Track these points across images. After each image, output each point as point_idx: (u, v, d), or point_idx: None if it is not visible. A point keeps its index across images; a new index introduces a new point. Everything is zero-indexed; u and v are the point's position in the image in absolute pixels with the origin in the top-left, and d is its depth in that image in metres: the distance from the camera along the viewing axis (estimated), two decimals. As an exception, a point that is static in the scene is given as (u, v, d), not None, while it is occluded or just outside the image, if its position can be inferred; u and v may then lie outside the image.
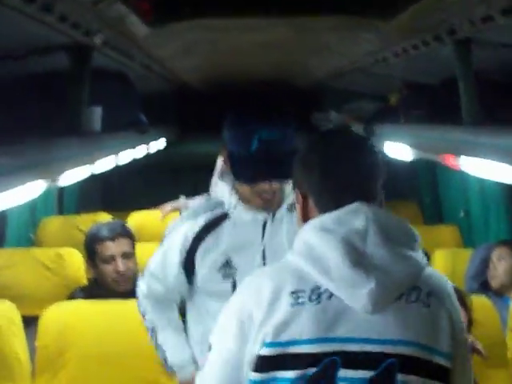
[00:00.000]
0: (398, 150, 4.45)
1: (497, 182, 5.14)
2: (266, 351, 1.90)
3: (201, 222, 2.73)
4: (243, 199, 2.71)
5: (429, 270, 2.02)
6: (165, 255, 2.80)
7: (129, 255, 3.98)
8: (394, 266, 1.92)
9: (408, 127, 4.25)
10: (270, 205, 2.69)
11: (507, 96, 3.44)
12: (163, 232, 5.54)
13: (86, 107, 3.33)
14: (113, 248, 3.94)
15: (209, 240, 2.71)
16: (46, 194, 5.98)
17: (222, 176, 2.82)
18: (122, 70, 4.21)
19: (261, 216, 2.72)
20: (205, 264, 2.70)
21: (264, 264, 2.72)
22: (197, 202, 5.89)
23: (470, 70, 3.24)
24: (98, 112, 3.79)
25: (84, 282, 4.55)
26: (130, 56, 3.80)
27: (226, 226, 2.72)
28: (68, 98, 3.24)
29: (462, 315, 2.06)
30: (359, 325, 1.90)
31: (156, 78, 5.33)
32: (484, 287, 4.63)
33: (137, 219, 5.82)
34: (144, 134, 4.75)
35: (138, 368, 3.40)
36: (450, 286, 2.04)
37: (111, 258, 3.92)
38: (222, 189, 2.84)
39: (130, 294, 3.89)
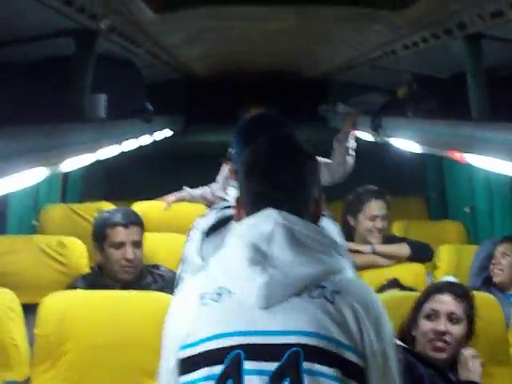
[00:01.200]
0: (404, 144, 4.41)
1: (502, 179, 5.12)
2: (181, 354, 1.98)
3: (211, 219, 2.70)
4: None
5: (348, 276, 2.12)
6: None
7: (138, 244, 3.97)
8: (294, 266, 1.99)
9: (416, 121, 4.22)
10: None
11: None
12: (166, 222, 5.55)
13: (90, 94, 3.30)
14: (124, 234, 3.93)
15: (213, 239, 2.64)
16: (50, 182, 5.96)
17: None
18: (128, 56, 4.18)
19: None
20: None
21: None
22: (199, 191, 5.88)
23: (480, 65, 3.21)
24: (102, 99, 3.76)
25: (86, 270, 4.53)
26: (137, 43, 3.76)
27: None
28: (72, 83, 3.21)
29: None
30: (259, 318, 1.95)
31: (162, 66, 5.29)
32: (487, 283, 4.61)
33: (140, 209, 5.77)
34: (149, 122, 4.72)
35: (138, 358, 3.38)
36: (370, 295, 2.08)
37: (121, 245, 3.92)
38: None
39: (132, 284, 3.88)
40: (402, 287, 3.97)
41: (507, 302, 4.00)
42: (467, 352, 3.21)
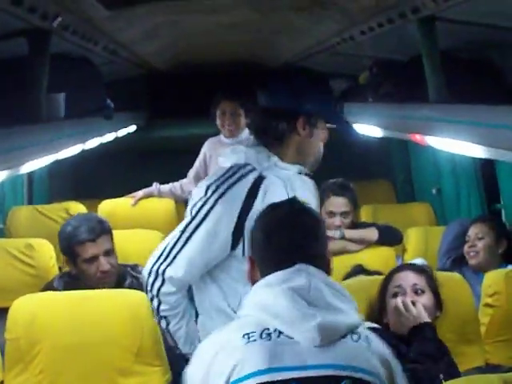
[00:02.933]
0: (367, 129, 4.43)
1: (467, 160, 5.16)
2: None
3: (245, 187, 2.80)
4: (302, 160, 2.95)
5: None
6: (211, 230, 2.81)
7: (110, 252, 3.91)
8: (337, 313, 2.20)
9: (376, 106, 4.23)
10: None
11: (472, 73, 3.42)
12: (135, 219, 5.54)
13: (46, 94, 3.27)
14: (94, 249, 3.84)
15: (257, 202, 2.77)
16: (15, 183, 5.92)
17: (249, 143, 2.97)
18: (85, 54, 4.15)
19: (287, 173, 2.91)
20: None
21: None
22: (168, 187, 5.88)
23: (435, 48, 3.23)
24: (60, 98, 3.73)
25: (55, 272, 4.51)
26: (92, 40, 3.73)
27: (266, 186, 2.81)
28: (28, 84, 3.18)
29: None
30: (312, 355, 2.12)
31: (122, 62, 5.26)
32: (457, 263, 4.64)
33: (108, 207, 5.77)
34: (110, 119, 4.69)
35: (111, 357, 3.37)
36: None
37: (93, 258, 3.84)
38: (251, 154, 2.90)
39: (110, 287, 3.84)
40: (368, 272, 3.99)
41: (479, 282, 4.02)
42: (398, 301, 3.24)
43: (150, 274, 2.87)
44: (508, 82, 3.49)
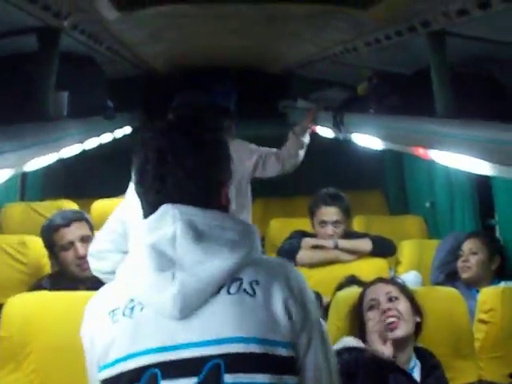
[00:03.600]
0: (367, 140, 4.43)
1: (462, 174, 5.17)
2: (100, 375, 1.90)
3: None
4: None
5: (261, 259, 1.95)
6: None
7: (87, 239, 3.94)
8: (204, 264, 1.83)
9: (378, 117, 4.23)
10: None
11: (480, 89, 3.43)
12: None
13: (53, 92, 3.27)
14: (69, 234, 3.92)
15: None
16: (8, 180, 5.89)
17: None
18: (89, 53, 4.14)
19: None
20: None
21: None
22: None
23: (444, 62, 3.22)
24: (64, 97, 3.73)
25: (47, 269, 4.50)
26: (99, 40, 3.74)
27: None
28: (36, 81, 3.18)
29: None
30: (175, 331, 1.82)
31: (123, 63, 5.26)
32: (451, 278, 4.65)
33: (101, 207, 5.76)
34: (111, 119, 4.69)
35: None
36: (284, 267, 1.98)
37: (70, 244, 3.90)
38: None
39: (97, 280, 3.85)
40: (361, 283, 4.00)
41: (472, 297, 4.04)
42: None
43: None
44: (514, 98, 3.50)
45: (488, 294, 3.88)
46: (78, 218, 4.03)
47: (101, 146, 5.25)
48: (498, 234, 5.09)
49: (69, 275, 3.94)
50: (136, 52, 4.95)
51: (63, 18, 2.85)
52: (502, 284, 4.32)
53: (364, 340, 3.24)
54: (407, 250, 5.19)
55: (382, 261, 4.76)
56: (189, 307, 1.82)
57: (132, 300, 1.88)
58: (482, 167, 2.77)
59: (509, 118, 2.67)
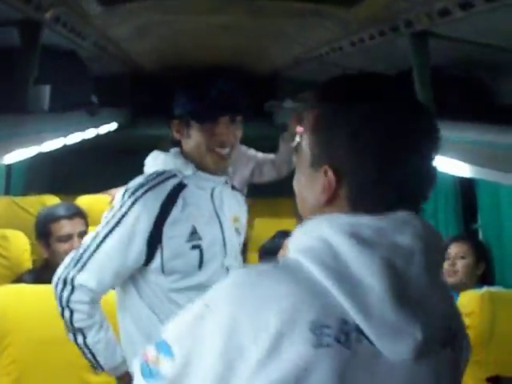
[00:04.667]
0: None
1: (446, 178, 5.17)
2: None
3: (164, 193, 2.61)
4: (199, 164, 2.68)
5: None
6: (124, 235, 2.57)
7: (84, 235, 3.95)
8: (434, 300, 1.41)
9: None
10: (224, 163, 2.69)
11: (462, 90, 3.43)
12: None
13: (33, 85, 3.25)
14: (70, 227, 3.91)
15: (175, 210, 2.59)
16: (-7, 174, 5.88)
17: (171, 150, 2.79)
18: (74, 48, 4.13)
19: (209, 184, 2.71)
20: (174, 234, 2.58)
21: (223, 234, 2.72)
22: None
23: (426, 63, 3.23)
24: (46, 91, 3.71)
25: (29, 264, 4.48)
26: (83, 35, 3.72)
27: (186, 195, 2.64)
28: (16, 75, 3.16)
29: None
30: (395, 380, 1.38)
31: (109, 58, 5.24)
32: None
33: (84, 203, 5.72)
34: (94, 115, 4.67)
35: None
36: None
37: (68, 237, 3.89)
38: (169, 160, 2.75)
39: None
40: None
41: (452, 301, 4.03)
42: None
43: (57, 283, 2.65)
44: (496, 100, 3.50)
45: (467, 298, 3.86)
46: (80, 213, 4.03)
47: (86, 142, 5.23)
48: (480, 237, 5.09)
49: (55, 267, 3.92)
50: (122, 48, 4.93)
51: (44, 11, 2.82)
52: (485, 288, 4.31)
53: None
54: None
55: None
56: (424, 356, 1.39)
57: (346, 321, 1.35)
58: (463, 169, 2.77)
59: (490, 120, 2.67)
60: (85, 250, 2.63)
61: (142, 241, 2.56)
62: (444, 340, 1.44)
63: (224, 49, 5.98)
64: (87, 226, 4.06)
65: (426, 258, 1.40)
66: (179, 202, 2.61)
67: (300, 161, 1.56)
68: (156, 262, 2.61)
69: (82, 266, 2.62)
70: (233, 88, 2.72)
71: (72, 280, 2.62)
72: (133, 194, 2.61)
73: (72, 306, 2.63)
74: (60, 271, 2.67)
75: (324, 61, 4.97)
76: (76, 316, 2.65)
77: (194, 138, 2.69)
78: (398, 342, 1.35)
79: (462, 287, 4.32)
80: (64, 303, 2.64)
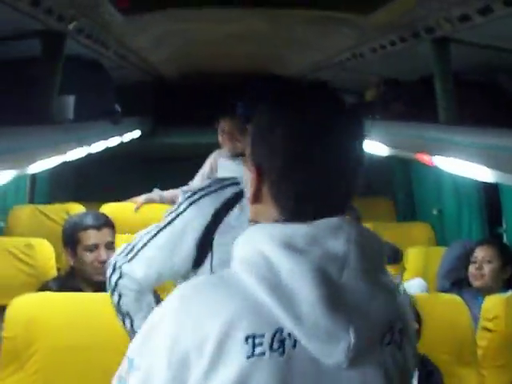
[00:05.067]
0: (372, 146, 4.43)
1: (470, 182, 5.16)
2: None
3: (220, 199, 2.61)
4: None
5: (403, 300, 1.59)
6: (174, 235, 2.60)
7: (111, 245, 3.97)
8: (372, 302, 1.45)
9: (384, 123, 4.23)
10: None
11: (483, 95, 3.43)
12: (136, 224, 5.53)
13: (57, 96, 3.28)
14: (97, 237, 3.93)
15: (230, 217, 2.59)
16: (18, 182, 5.92)
17: (233, 158, 2.79)
18: (96, 58, 4.16)
19: None
20: (225, 242, 2.51)
21: None
22: (170, 193, 5.87)
23: (448, 69, 3.23)
24: (70, 101, 3.75)
25: (54, 272, 4.51)
26: (105, 45, 3.75)
27: (244, 203, 2.59)
28: (40, 85, 3.19)
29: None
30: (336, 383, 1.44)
31: (131, 68, 5.28)
32: (457, 285, 4.62)
33: (109, 211, 5.74)
34: (117, 124, 4.70)
35: (107, 362, 3.31)
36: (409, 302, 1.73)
37: (95, 247, 3.91)
38: (234, 168, 2.76)
39: (105, 286, 3.87)
40: None
41: (477, 306, 4.01)
42: None
43: (108, 267, 2.72)
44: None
45: (492, 302, 3.86)
46: (109, 223, 4.05)
47: (109, 150, 5.26)
48: (505, 241, 5.07)
49: (81, 275, 3.95)
50: (142, 57, 4.97)
51: (67, 22, 2.86)
52: (510, 293, 4.30)
53: None
54: (413, 257, 5.17)
55: (388, 268, 4.74)
56: (359, 358, 1.43)
57: (281, 330, 1.40)
58: (484, 173, 2.77)
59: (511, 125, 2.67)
60: (137, 242, 2.67)
61: (191, 243, 2.58)
62: (388, 340, 1.48)
63: (242, 57, 6.00)
64: (114, 236, 4.07)
65: (362, 262, 1.44)
66: (236, 209, 2.60)
67: None
68: (205, 267, 2.60)
69: (132, 258, 2.67)
70: None
71: (120, 267, 2.68)
72: (190, 196, 2.63)
73: (120, 289, 2.69)
74: (112, 258, 2.73)
75: (345, 67, 4.97)
76: (124, 299, 2.70)
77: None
78: (331, 347, 1.40)
79: (487, 291, 4.31)
80: (112, 286, 2.70)
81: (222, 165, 2.81)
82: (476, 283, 4.49)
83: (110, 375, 3.29)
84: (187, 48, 5.16)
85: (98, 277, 3.88)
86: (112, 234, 4.03)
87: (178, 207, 2.63)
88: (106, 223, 4.03)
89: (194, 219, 2.59)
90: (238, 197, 2.64)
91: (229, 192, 2.64)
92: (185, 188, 5.86)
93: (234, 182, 2.67)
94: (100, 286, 3.85)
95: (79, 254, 3.93)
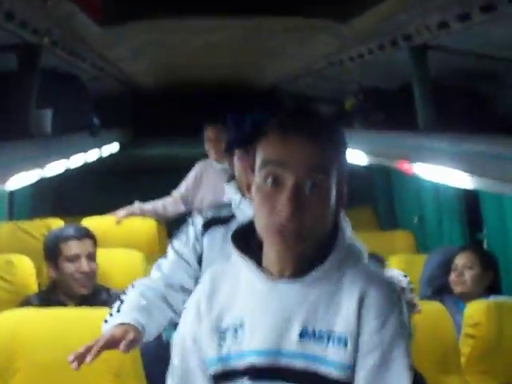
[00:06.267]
0: (352, 155, 4.43)
1: (450, 189, 5.17)
2: None
3: (208, 215, 2.70)
4: (244, 192, 2.62)
5: None
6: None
7: (92, 257, 3.97)
8: None
9: (363, 132, 4.23)
10: None
11: (463, 102, 3.43)
12: (117, 237, 5.49)
13: (34, 109, 3.25)
14: (78, 247, 3.92)
15: (215, 232, 2.67)
16: (-5, 199, 5.87)
17: (228, 180, 2.82)
18: (73, 71, 4.13)
19: None
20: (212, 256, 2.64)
21: None
22: (151, 205, 5.84)
23: (426, 76, 3.23)
24: (47, 115, 3.71)
25: (35, 288, 4.47)
26: (81, 57, 3.72)
27: (232, 224, 2.63)
28: (16, 99, 3.16)
29: None
30: None
31: (109, 79, 5.25)
32: (438, 292, 4.61)
33: (90, 224, 5.69)
34: (96, 136, 4.67)
35: (91, 377, 3.33)
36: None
37: (76, 258, 3.90)
38: (227, 192, 2.79)
39: (87, 300, 3.84)
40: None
41: (459, 312, 4.01)
42: None
43: None
44: (497, 111, 3.50)
45: (474, 308, 3.86)
46: (90, 235, 4.06)
47: (88, 164, 5.23)
48: (485, 247, 5.08)
49: (63, 288, 3.93)
50: (121, 68, 4.94)
51: (42, 35, 2.83)
52: (491, 298, 4.30)
53: None
54: (396, 264, 5.15)
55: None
56: None
57: None
58: (464, 180, 2.77)
59: (491, 131, 2.67)
60: None
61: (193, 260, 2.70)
62: None
63: (222, 66, 5.98)
64: (95, 249, 4.06)
65: None
66: (222, 227, 2.70)
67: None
68: None
69: None
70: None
71: None
72: None
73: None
74: None
75: (323, 76, 4.97)
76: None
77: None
78: None
79: (469, 297, 4.30)
80: None
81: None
82: (457, 289, 4.49)
83: (95, 389, 3.28)
84: (165, 58, 5.14)
85: (80, 289, 3.87)
86: (93, 245, 4.03)
87: None
88: (87, 234, 4.02)
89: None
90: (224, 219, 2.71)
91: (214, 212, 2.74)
92: (168, 199, 5.84)
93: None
94: (82, 299, 3.83)
95: (60, 266, 3.91)
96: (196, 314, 1.90)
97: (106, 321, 2.49)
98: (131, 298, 2.60)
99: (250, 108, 2.86)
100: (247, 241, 1.88)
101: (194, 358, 1.88)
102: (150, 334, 2.52)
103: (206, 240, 2.68)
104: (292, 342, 1.77)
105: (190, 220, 2.73)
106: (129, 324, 2.42)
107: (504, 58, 3.04)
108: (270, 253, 1.82)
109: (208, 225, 2.67)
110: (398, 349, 1.76)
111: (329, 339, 1.76)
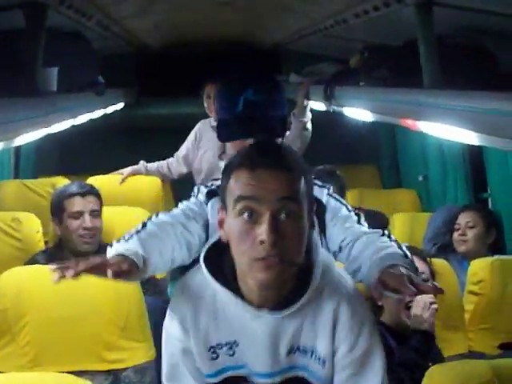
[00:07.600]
0: (357, 113, 4.42)
1: (455, 148, 5.17)
2: None
3: (210, 185, 2.67)
4: None
5: None
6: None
7: (96, 214, 4.03)
8: None
9: (368, 90, 4.22)
10: None
11: (467, 60, 3.42)
12: (122, 196, 5.52)
13: (41, 67, 3.26)
14: (81, 204, 3.98)
15: (216, 203, 2.52)
16: (1, 157, 5.89)
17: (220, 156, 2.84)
18: (78, 29, 4.13)
19: None
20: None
21: None
22: (156, 165, 5.86)
23: (431, 33, 3.21)
24: (53, 73, 3.72)
25: (41, 246, 4.52)
26: (87, 15, 3.72)
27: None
28: (23, 57, 3.17)
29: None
30: None
31: (114, 38, 5.24)
32: (443, 250, 4.64)
33: (95, 183, 5.72)
34: (101, 95, 4.68)
35: (97, 331, 3.39)
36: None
37: (79, 214, 3.96)
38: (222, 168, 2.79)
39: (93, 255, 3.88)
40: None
41: (464, 271, 4.04)
42: (423, 299, 3.11)
43: None
44: (502, 68, 3.49)
45: (478, 266, 3.89)
46: (94, 192, 4.13)
47: (93, 122, 5.25)
48: (490, 206, 5.10)
49: (68, 246, 3.98)
50: (126, 26, 4.93)
51: (49, -8, 2.83)
52: (495, 257, 4.32)
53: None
54: (399, 223, 5.20)
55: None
56: None
57: None
58: (469, 137, 2.77)
59: (497, 88, 2.67)
60: None
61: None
62: None
63: (226, 24, 5.95)
64: (101, 206, 4.10)
65: None
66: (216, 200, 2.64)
67: None
68: None
69: None
70: (263, 102, 2.65)
71: None
72: None
73: None
74: None
75: (329, 34, 4.95)
76: None
77: None
78: None
79: (472, 256, 4.32)
80: None
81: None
82: (460, 249, 4.52)
83: (100, 344, 3.34)
84: (171, 16, 5.12)
85: (84, 246, 3.92)
86: (97, 203, 4.07)
87: None
88: (91, 191, 4.07)
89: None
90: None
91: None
92: (171, 160, 5.85)
93: None
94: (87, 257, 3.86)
95: (65, 223, 3.97)
96: (183, 329, 2.08)
97: (111, 245, 2.35)
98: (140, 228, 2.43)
99: (253, 66, 2.85)
100: (218, 263, 2.03)
101: (187, 368, 2.10)
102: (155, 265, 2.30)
103: (209, 208, 2.68)
104: (282, 360, 2.03)
105: (196, 188, 2.72)
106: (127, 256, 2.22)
107: (511, 14, 3.03)
108: (251, 284, 1.97)
109: (210, 195, 2.68)
110: (372, 359, 2.03)
111: (312, 354, 2.02)
